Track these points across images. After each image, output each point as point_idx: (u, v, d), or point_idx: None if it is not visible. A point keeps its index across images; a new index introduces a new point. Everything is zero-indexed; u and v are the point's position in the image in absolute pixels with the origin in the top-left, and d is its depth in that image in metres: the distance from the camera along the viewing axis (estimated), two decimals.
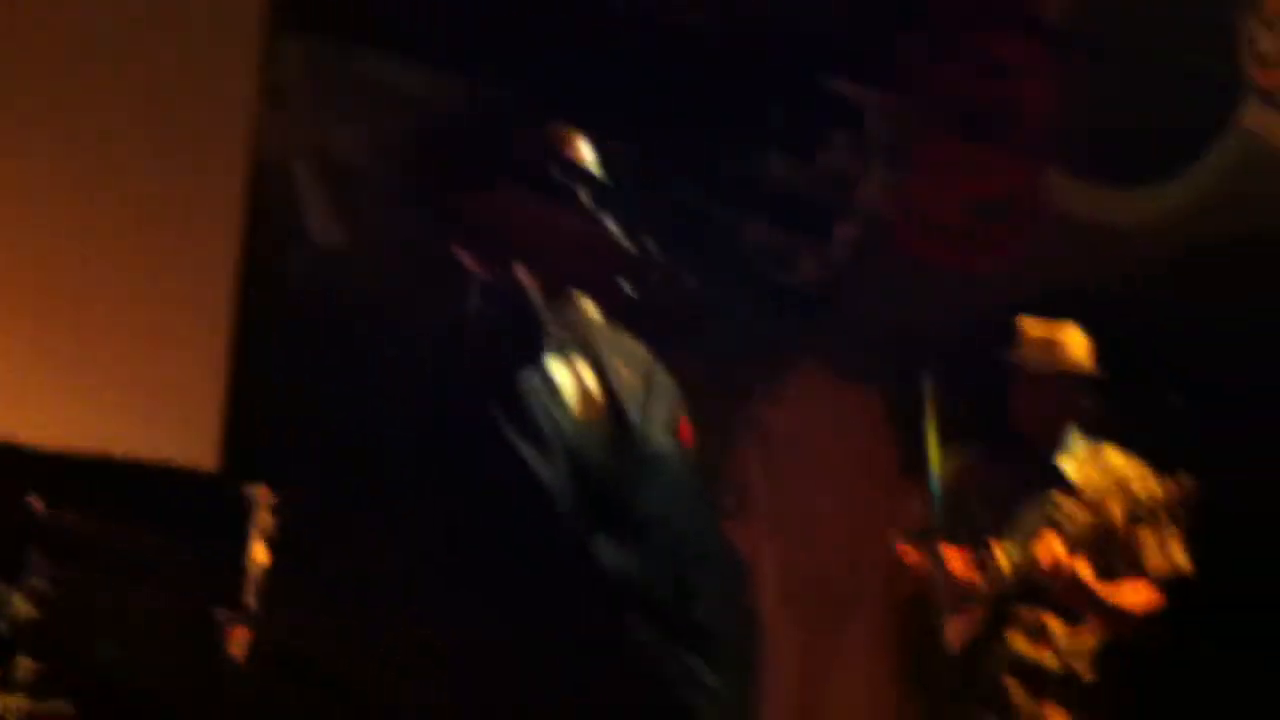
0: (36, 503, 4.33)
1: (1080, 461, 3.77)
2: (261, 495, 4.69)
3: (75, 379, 5.09)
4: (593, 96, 6.30)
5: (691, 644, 2.26)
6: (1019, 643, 3.59)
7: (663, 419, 2.14)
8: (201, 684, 4.54)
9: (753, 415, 5.68)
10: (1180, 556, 3.65)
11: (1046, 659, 3.60)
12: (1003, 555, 3.68)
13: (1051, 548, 3.53)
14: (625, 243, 2.06)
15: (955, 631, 3.66)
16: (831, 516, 5.39)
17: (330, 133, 6.27)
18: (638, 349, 2.23)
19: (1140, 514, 3.66)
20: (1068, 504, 3.71)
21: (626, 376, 2.12)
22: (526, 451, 1.95)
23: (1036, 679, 3.59)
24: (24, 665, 4.23)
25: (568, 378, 2.07)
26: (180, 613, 4.88)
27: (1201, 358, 4.54)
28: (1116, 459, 3.78)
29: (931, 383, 3.78)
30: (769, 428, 5.67)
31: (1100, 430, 3.84)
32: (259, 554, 4.57)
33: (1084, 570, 3.55)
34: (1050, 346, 3.80)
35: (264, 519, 4.64)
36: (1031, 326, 3.86)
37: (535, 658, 1.95)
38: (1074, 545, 3.56)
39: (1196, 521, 3.60)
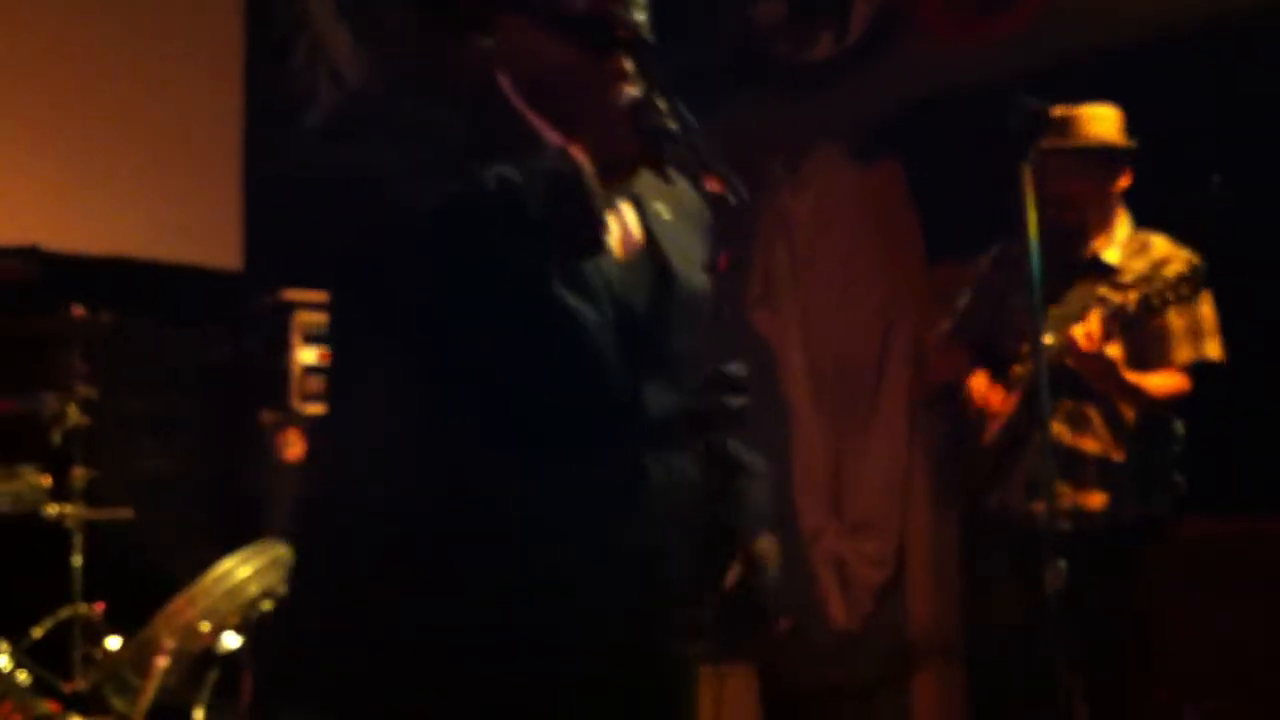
0: (78, 309, 4.32)
1: (1121, 245, 3.77)
2: (295, 296, 4.71)
3: (100, 188, 5.07)
4: None
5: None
6: (1060, 431, 3.63)
7: (699, 255, 2.11)
8: (253, 485, 4.61)
9: (775, 202, 5.66)
10: (1213, 347, 3.69)
11: (1086, 444, 3.65)
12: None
13: (1090, 327, 3.55)
14: (644, 92, 1.95)
15: (990, 429, 3.73)
16: (857, 302, 5.39)
17: None
18: (678, 186, 2.15)
19: (1175, 298, 3.68)
20: (1106, 289, 3.72)
21: (666, 217, 2.08)
22: (580, 307, 1.93)
23: (1076, 464, 3.63)
24: (79, 474, 4.28)
25: (613, 221, 2.00)
26: (225, 416, 4.93)
27: (1236, 131, 4.51)
28: (1161, 243, 3.78)
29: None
30: (792, 214, 5.65)
31: (1141, 211, 3.83)
32: (301, 355, 4.60)
33: (1115, 352, 3.58)
34: (1080, 124, 3.76)
35: (302, 320, 4.66)
36: (1059, 109, 3.81)
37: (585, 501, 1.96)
38: (1109, 329, 3.58)
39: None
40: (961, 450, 3.83)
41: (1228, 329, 3.71)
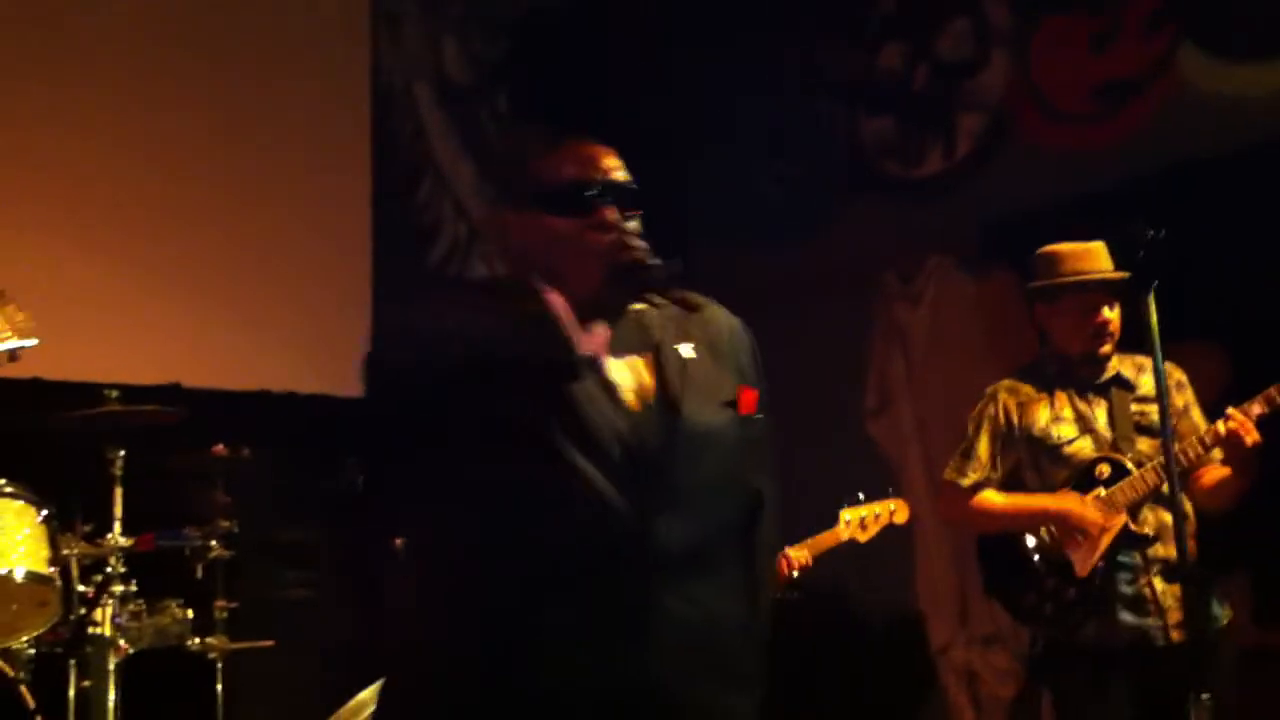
0: (219, 448, 4.49)
1: (1125, 365, 3.81)
2: None
3: (237, 324, 5.28)
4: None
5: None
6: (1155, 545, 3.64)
7: (717, 395, 2.25)
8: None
9: (890, 313, 5.73)
10: None
11: (1171, 553, 3.63)
12: (1131, 462, 3.71)
13: (1240, 419, 3.55)
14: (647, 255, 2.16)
15: (1081, 559, 3.71)
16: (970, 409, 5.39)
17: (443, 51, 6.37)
18: (711, 324, 2.33)
19: (1190, 403, 3.75)
20: (1138, 403, 3.76)
21: (685, 359, 2.23)
22: (581, 461, 2.10)
23: (1168, 571, 3.62)
24: (220, 606, 4.43)
25: (626, 375, 2.20)
26: (360, 544, 5.06)
27: None
28: (1145, 360, 3.80)
29: None
30: (907, 325, 5.72)
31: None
32: None
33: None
34: (1076, 259, 3.79)
35: None
36: (1053, 248, 3.85)
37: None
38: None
39: None
40: (1037, 586, 3.81)
41: None
